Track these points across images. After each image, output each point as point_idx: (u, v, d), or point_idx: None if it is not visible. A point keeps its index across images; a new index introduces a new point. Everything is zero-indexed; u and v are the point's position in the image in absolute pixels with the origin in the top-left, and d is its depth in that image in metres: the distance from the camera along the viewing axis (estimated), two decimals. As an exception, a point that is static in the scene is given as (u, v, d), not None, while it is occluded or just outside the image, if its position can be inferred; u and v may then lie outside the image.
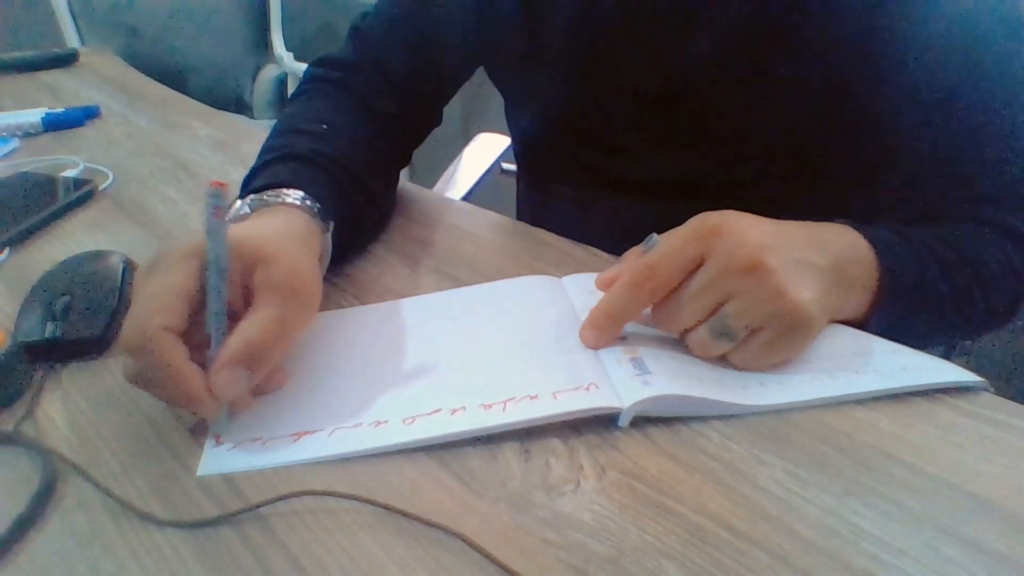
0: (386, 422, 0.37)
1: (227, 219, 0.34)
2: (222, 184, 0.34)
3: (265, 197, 0.45)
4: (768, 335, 0.38)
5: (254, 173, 0.50)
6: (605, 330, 0.40)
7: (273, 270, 0.37)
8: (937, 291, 0.45)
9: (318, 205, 0.46)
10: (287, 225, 0.43)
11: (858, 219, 0.45)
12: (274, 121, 0.63)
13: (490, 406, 0.37)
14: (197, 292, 0.36)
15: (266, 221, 0.43)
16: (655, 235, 0.39)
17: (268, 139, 0.55)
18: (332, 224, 0.47)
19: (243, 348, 0.35)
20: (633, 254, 0.41)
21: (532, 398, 0.37)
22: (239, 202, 0.46)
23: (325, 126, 0.55)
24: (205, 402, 0.34)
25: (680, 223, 0.39)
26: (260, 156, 0.52)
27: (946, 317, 0.47)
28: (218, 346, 0.35)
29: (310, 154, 0.50)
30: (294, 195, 0.45)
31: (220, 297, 0.35)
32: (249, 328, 0.35)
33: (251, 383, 0.35)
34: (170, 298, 0.35)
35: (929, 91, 0.49)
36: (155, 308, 0.34)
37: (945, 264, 0.46)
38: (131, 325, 0.34)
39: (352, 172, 0.52)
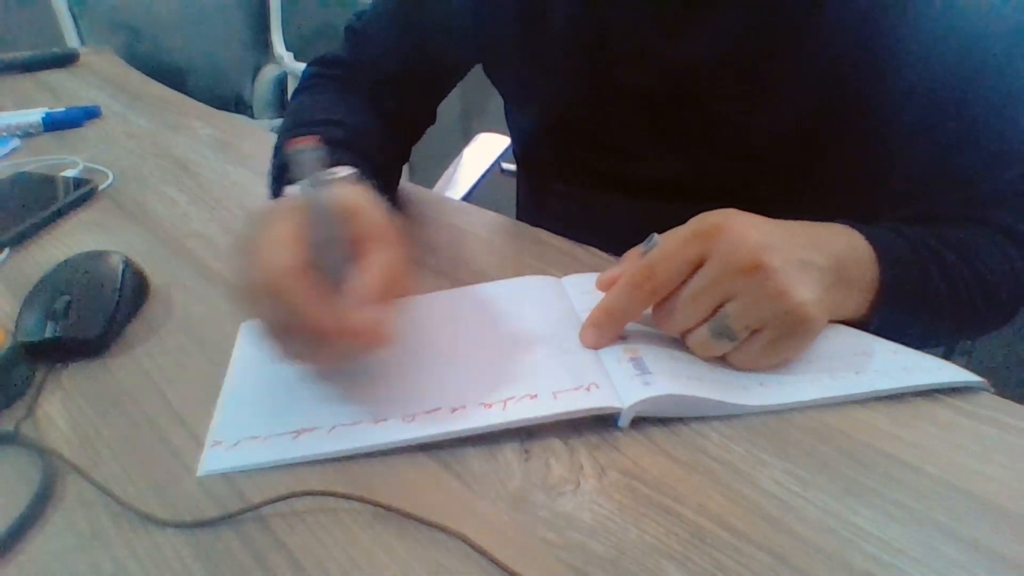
0: (386, 420, 0.37)
1: (320, 172, 0.35)
2: (310, 138, 0.34)
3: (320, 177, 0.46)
4: (768, 335, 0.38)
5: (283, 162, 0.51)
6: (605, 330, 0.40)
7: (370, 217, 0.38)
8: (937, 291, 0.45)
9: (368, 180, 0.46)
10: (356, 189, 0.42)
11: (858, 219, 0.45)
12: (274, 121, 0.64)
13: (490, 405, 0.37)
14: (309, 243, 0.36)
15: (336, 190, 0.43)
16: (655, 235, 0.39)
17: (287, 128, 0.57)
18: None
19: (376, 281, 0.35)
20: (634, 254, 0.41)
21: (532, 397, 0.37)
22: (289, 188, 0.46)
23: (340, 117, 0.57)
24: (344, 331, 0.34)
25: (681, 223, 0.39)
26: (279, 148, 0.54)
27: (946, 317, 0.47)
28: (340, 290, 0.35)
29: (342, 140, 0.52)
30: (344, 171, 0.46)
31: (335, 245, 0.36)
32: (373, 265, 0.36)
33: (386, 318, 0.35)
34: (290, 243, 0.35)
35: (929, 91, 0.49)
36: (278, 251, 0.34)
37: (945, 265, 0.46)
38: (256, 269, 0.34)
39: (374, 163, 0.54)
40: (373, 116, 0.61)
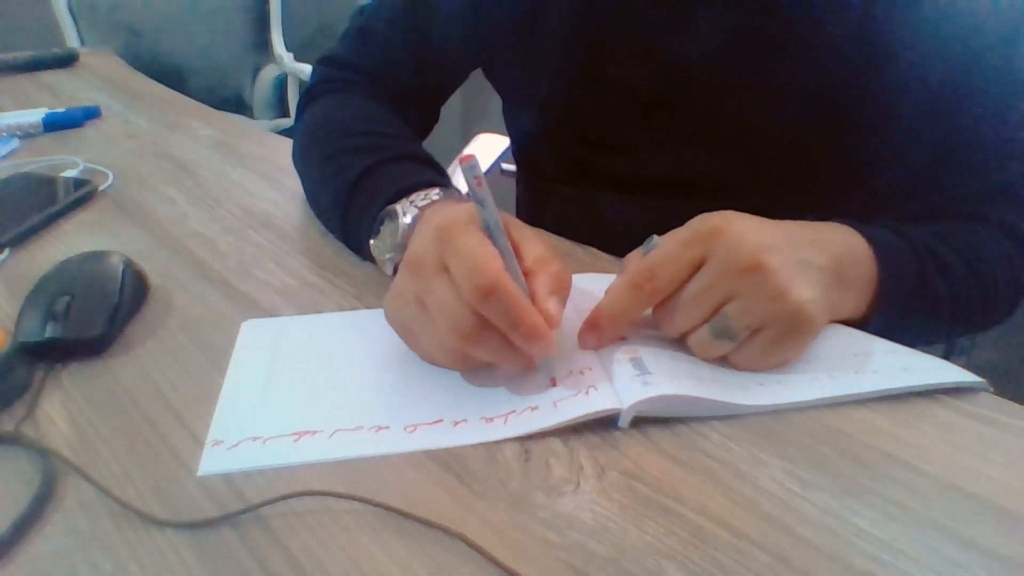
0: (387, 427, 0.37)
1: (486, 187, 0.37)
2: (471, 156, 0.35)
3: (431, 196, 0.47)
4: (768, 335, 0.38)
5: (367, 172, 0.51)
6: (605, 332, 0.40)
7: (523, 226, 0.40)
8: (936, 290, 0.45)
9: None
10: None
11: (856, 218, 0.45)
12: (274, 121, 0.64)
13: (491, 420, 0.37)
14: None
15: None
16: (655, 237, 0.39)
17: (338, 138, 0.57)
18: None
19: (552, 280, 0.37)
20: (634, 257, 0.41)
21: (533, 409, 0.37)
22: (400, 205, 0.47)
23: (392, 128, 0.58)
24: (548, 333, 0.35)
25: (680, 222, 0.39)
26: (352, 154, 0.54)
27: (945, 316, 0.47)
28: (525, 295, 0.36)
29: (414, 152, 0.54)
30: (437, 192, 0.48)
31: (511, 253, 0.37)
32: (543, 266, 0.38)
33: (563, 312, 0.37)
34: (491, 249, 0.36)
35: (929, 90, 0.49)
36: (488, 256, 0.35)
37: (944, 263, 0.46)
38: (477, 273, 0.34)
39: (439, 171, 0.55)
40: (404, 123, 0.61)
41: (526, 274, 0.38)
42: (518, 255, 0.38)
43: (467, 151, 1.18)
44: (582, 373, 0.39)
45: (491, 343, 0.36)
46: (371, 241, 0.49)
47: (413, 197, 0.47)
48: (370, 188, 0.51)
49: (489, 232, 0.37)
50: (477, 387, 0.39)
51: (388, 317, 0.41)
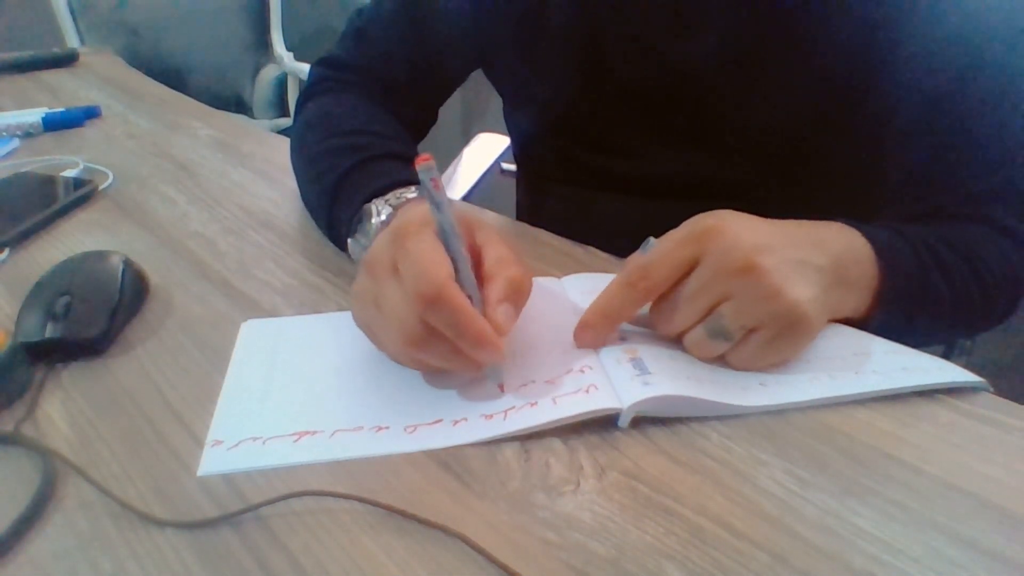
0: (388, 428, 0.37)
1: (443, 189, 0.36)
2: (427, 157, 0.35)
3: (407, 195, 0.48)
4: (765, 335, 0.38)
5: (349, 171, 0.52)
6: (599, 330, 0.40)
7: (489, 227, 0.40)
8: (936, 291, 0.45)
9: None
10: (463, 204, 0.45)
11: (857, 218, 0.45)
12: (275, 121, 0.64)
13: (491, 416, 0.37)
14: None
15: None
16: (652, 239, 0.40)
17: (325, 138, 0.57)
18: None
19: (507, 286, 0.37)
20: (633, 260, 0.41)
21: (532, 405, 0.37)
22: (374, 204, 0.48)
23: (379, 127, 0.58)
24: (495, 340, 0.35)
25: (680, 223, 0.39)
26: (336, 154, 0.54)
27: (945, 316, 0.47)
28: (476, 301, 0.36)
29: (399, 151, 0.54)
30: (413, 190, 0.48)
31: (464, 258, 0.37)
32: (501, 270, 0.37)
33: (516, 319, 0.37)
34: (440, 255, 0.35)
35: (929, 91, 0.49)
36: (435, 263, 0.35)
37: (944, 264, 0.46)
38: (422, 279, 0.34)
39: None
40: (397, 122, 0.61)
41: (484, 278, 0.37)
42: (480, 257, 0.38)
43: (467, 151, 1.18)
44: (582, 372, 0.39)
45: (438, 348, 0.36)
46: (348, 240, 0.49)
47: (389, 196, 0.48)
48: (351, 187, 0.51)
49: (443, 236, 0.36)
50: (476, 380, 0.39)
51: (352, 316, 0.41)
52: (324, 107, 0.63)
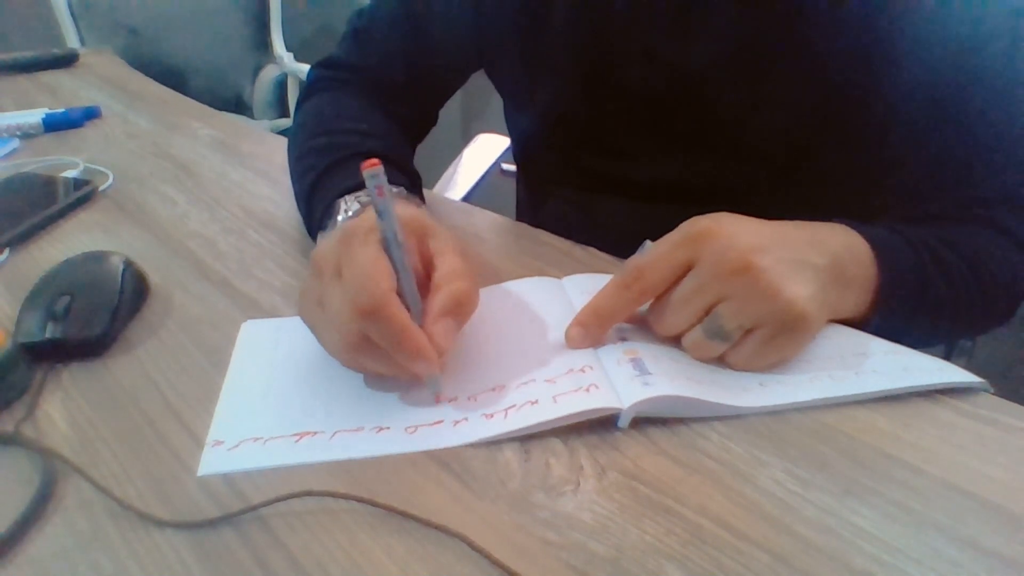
0: (388, 428, 0.37)
1: (389, 196, 0.36)
2: (375, 163, 0.34)
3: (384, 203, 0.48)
4: (764, 334, 0.38)
5: (328, 168, 0.52)
6: (591, 330, 0.40)
7: (443, 236, 0.40)
8: (936, 291, 0.45)
9: (415, 196, 0.50)
10: (417, 210, 0.44)
11: (857, 219, 0.45)
12: (275, 122, 0.64)
13: (492, 415, 0.37)
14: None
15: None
16: (648, 242, 0.40)
17: (311, 136, 0.58)
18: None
19: (449, 299, 0.36)
20: (629, 263, 0.41)
21: (533, 403, 0.37)
22: (344, 200, 0.48)
23: (368, 127, 0.58)
24: (431, 355, 0.35)
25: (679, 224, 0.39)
26: (317, 153, 0.55)
27: (945, 316, 0.47)
28: (417, 312, 0.36)
29: (382, 153, 0.53)
30: (394, 189, 0.48)
31: (406, 268, 0.36)
32: (448, 282, 0.37)
33: (457, 332, 0.37)
34: (382, 265, 0.35)
35: (929, 93, 0.49)
36: (376, 274, 0.35)
37: (944, 264, 0.46)
38: (361, 291, 0.34)
39: (408, 174, 0.55)
40: (392, 123, 0.61)
41: (432, 288, 0.37)
42: (431, 267, 0.38)
43: (467, 151, 1.18)
44: (582, 371, 0.39)
45: (377, 355, 0.36)
46: (318, 234, 0.50)
47: (360, 193, 0.48)
48: (327, 185, 0.51)
49: (385, 245, 0.36)
50: (476, 380, 0.39)
51: (298, 312, 0.41)
52: (318, 106, 0.63)
